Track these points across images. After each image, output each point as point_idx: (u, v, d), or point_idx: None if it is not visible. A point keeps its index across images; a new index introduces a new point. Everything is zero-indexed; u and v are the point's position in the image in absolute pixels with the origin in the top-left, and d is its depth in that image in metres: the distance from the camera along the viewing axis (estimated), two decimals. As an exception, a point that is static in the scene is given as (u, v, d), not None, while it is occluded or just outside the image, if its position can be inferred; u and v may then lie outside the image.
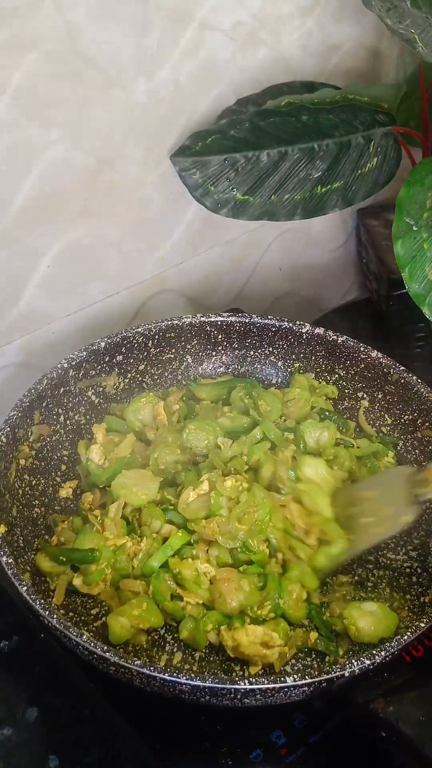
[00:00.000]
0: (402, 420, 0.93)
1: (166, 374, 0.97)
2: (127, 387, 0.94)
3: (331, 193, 0.96)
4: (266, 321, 0.96)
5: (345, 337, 0.95)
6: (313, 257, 1.20)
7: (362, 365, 0.95)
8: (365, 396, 0.96)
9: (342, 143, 0.95)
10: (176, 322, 0.94)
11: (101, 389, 0.92)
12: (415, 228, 0.85)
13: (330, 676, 0.66)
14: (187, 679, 0.65)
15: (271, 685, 0.66)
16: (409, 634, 0.69)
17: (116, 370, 0.93)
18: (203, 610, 0.76)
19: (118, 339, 0.91)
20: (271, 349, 0.98)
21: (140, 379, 0.95)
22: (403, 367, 0.92)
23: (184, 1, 0.88)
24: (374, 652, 0.68)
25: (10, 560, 0.71)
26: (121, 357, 0.92)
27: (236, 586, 0.75)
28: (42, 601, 0.69)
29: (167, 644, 0.76)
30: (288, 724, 0.73)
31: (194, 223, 1.02)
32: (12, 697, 0.74)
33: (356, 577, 0.82)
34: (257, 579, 0.77)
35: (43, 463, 0.86)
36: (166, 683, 0.66)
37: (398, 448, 0.92)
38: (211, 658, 0.75)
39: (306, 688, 0.67)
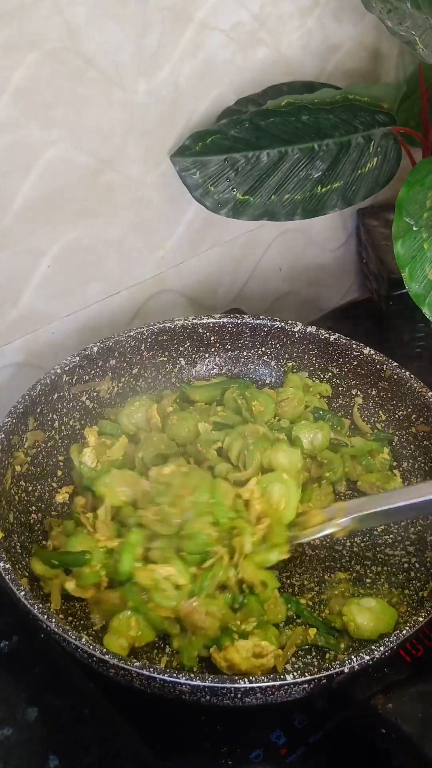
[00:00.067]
0: (396, 416, 0.93)
1: (160, 377, 0.97)
2: (121, 391, 0.94)
3: (331, 193, 0.96)
4: (258, 321, 0.96)
5: (337, 334, 0.95)
6: (313, 257, 1.20)
7: (355, 362, 0.95)
8: (359, 393, 0.96)
9: (342, 143, 0.95)
10: (168, 324, 0.94)
11: (95, 394, 0.92)
12: (415, 228, 0.85)
13: (330, 672, 0.67)
14: (186, 680, 0.65)
15: (271, 683, 0.66)
16: (407, 628, 0.70)
17: (110, 374, 0.93)
18: (185, 636, 0.74)
19: (111, 343, 0.91)
20: (263, 349, 0.98)
21: (134, 382, 0.95)
22: (395, 363, 0.92)
23: (184, 1, 0.88)
24: (373, 647, 0.68)
25: (7, 566, 0.72)
26: (114, 361, 0.92)
27: (205, 613, 0.73)
28: (40, 605, 0.69)
29: (167, 645, 0.76)
30: (288, 724, 0.73)
31: (194, 223, 1.02)
32: (12, 697, 0.74)
33: (354, 574, 0.83)
34: (227, 597, 0.75)
35: (38, 469, 0.86)
36: (166, 684, 0.66)
37: (393, 444, 0.93)
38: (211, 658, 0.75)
39: (306, 685, 0.67)
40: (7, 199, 0.85)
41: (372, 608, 0.77)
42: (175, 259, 1.04)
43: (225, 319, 0.96)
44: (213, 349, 0.98)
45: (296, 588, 0.81)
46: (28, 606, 0.69)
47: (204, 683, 0.65)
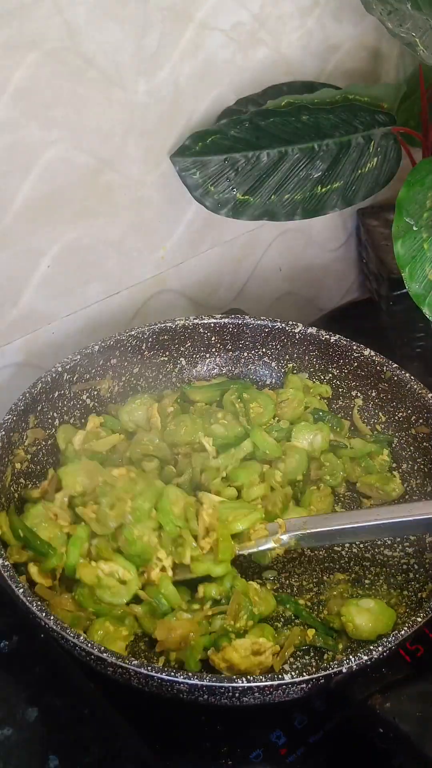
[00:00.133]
0: (396, 417, 0.93)
1: (160, 377, 0.97)
2: (122, 390, 0.94)
3: (331, 193, 0.96)
4: (259, 322, 0.96)
5: (338, 336, 0.95)
6: (313, 257, 1.20)
7: (355, 364, 0.95)
8: (359, 394, 0.96)
9: (342, 143, 0.95)
10: (169, 324, 0.94)
11: (96, 393, 0.92)
12: (415, 228, 0.85)
13: (327, 672, 0.67)
14: (184, 678, 0.65)
15: (269, 683, 0.66)
16: (406, 629, 0.70)
17: (110, 373, 0.93)
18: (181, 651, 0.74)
19: (112, 342, 0.91)
20: (264, 350, 0.98)
21: (134, 382, 0.95)
22: (396, 365, 0.92)
23: (184, 1, 0.88)
24: (371, 647, 0.68)
25: (7, 563, 0.72)
26: (115, 360, 0.92)
27: (187, 633, 0.73)
28: (39, 603, 0.69)
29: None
30: (288, 724, 0.73)
31: (194, 223, 1.03)
32: (12, 697, 0.75)
33: (353, 575, 0.82)
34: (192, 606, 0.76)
35: (38, 467, 0.86)
36: (164, 683, 0.66)
37: (393, 445, 0.93)
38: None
39: (304, 685, 0.67)
40: (7, 199, 0.85)
41: (371, 609, 0.77)
42: (175, 259, 1.04)
43: (226, 320, 0.96)
44: (214, 350, 0.98)
45: (295, 588, 0.81)
46: (27, 603, 0.69)
47: (202, 682, 0.65)
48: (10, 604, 0.73)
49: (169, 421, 0.89)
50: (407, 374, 0.91)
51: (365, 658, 0.68)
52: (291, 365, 0.98)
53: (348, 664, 0.67)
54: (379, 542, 0.85)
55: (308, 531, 0.80)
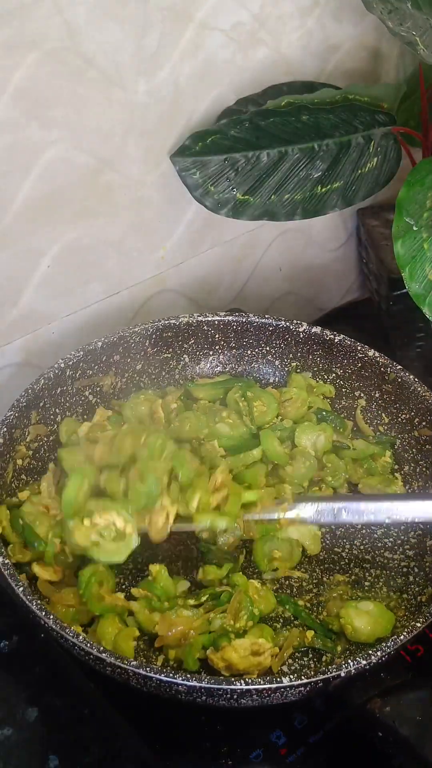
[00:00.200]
0: (399, 419, 0.93)
1: (164, 374, 0.97)
2: (125, 386, 0.94)
3: (331, 193, 0.96)
4: (263, 320, 0.96)
5: (342, 336, 0.95)
6: (313, 257, 1.20)
7: (359, 364, 0.95)
8: (362, 395, 0.96)
9: (342, 143, 0.95)
10: (173, 321, 0.94)
11: (98, 389, 0.92)
12: (415, 228, 0.85)
13: (326, 676, 0.66)
14: (183, 680, 0.65)
15: (267, 686, 0.66)
16: (405, 633, 0.69)
17: (113, 369, 0.92)
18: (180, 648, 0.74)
19: (115, 339, 0.91)
20: (268, 348, 0.98)
21: (137, 378, 0.95)
22: (400, 366, 0.92)
23: (184, 1, 0.88)
24: (370, 651, 0.68)
25: (6, 561, 0.72)
26: (118, 357, 0.92)
27: (188, 630, 0.73)
28: (38, 601, 0.69)
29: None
30: (288, 724, 0.73)
31: (194, 223, 1.02)
32: (12, 697, 0.75)
33: (353, 577, 0.82)
34: (207, 603, 0.76)
35: (40, 463, 0.86)
36: (163, 684, 0.66)
37: (395, 447, 0.93)
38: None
39: (302, 689, 0.67)
40: (7, 199, 0.85)
41: (370, 612, 0.77)
42: (175, 259, 1.04)
43: (230, 317, 0.96)
44: (217, 347, 0.98)
45: (294, 589, 0.81)
46: (27, 602, 0.69)
47: (200, 684, 0.65)
48: (10, 604, 0.73)
49: (174, 417, 0.89)
50: (411, 376, 0.91)
51: (364, 662, 0.68)
52: (294, 364, 0.98)
53: (347, 668, 0.67)
54: (379, 544, 0.85)
55: (313, 503, 0.80)
